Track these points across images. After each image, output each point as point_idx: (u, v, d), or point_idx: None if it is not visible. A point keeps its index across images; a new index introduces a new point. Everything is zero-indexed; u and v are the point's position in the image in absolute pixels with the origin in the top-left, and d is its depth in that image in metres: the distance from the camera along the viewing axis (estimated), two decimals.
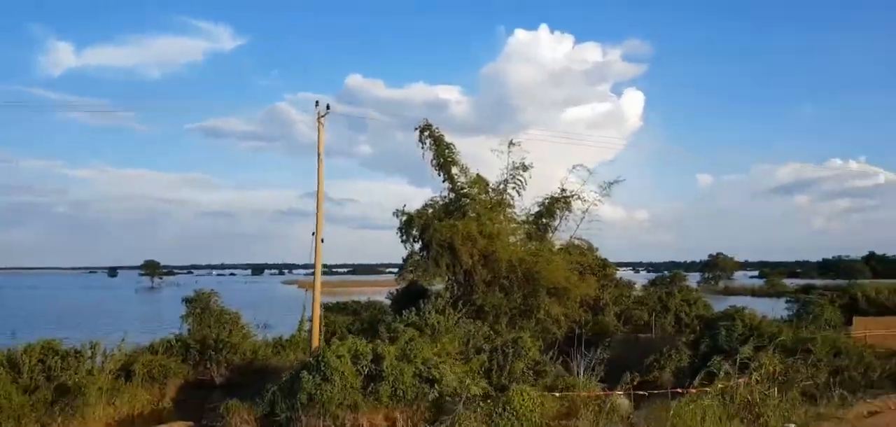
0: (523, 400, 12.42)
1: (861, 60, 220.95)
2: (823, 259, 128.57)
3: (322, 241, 20.64)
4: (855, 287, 49.95)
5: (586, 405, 13.14)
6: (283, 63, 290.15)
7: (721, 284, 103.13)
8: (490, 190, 31.51)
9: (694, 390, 14.46)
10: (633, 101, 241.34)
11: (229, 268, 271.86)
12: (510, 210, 32.22)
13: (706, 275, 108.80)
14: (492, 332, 25.14)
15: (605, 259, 42.32)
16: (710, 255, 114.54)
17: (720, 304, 39.62)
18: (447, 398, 15.40)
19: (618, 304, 39.48)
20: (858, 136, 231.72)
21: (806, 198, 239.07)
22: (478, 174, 31.38)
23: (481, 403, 13.55)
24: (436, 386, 16.30)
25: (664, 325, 38.34)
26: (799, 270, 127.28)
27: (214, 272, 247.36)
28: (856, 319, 38.65)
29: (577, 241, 37.01)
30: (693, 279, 75.78)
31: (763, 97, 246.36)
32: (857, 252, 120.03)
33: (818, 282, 76.41)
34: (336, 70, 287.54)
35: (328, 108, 21.16)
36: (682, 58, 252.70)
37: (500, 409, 12.41)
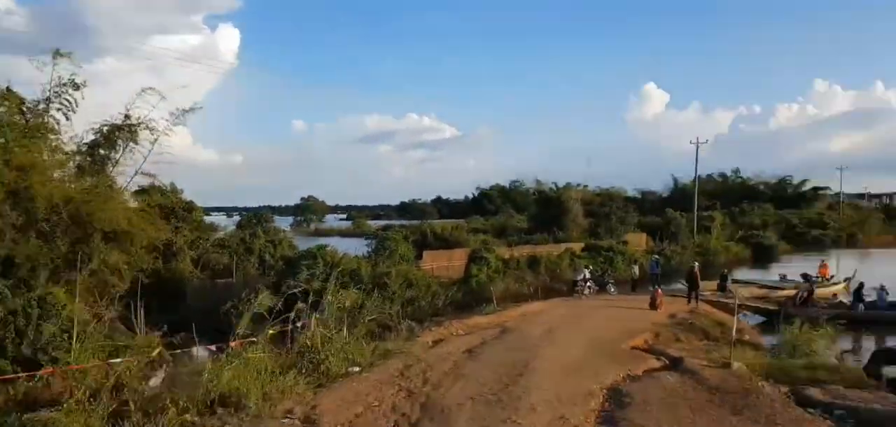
0: None
1: (434, 25, 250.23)
2: (401, 202, 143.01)
3: None
4: (425, 225, 55.07)
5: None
6: None
7: (312, 227, 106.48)
8: (26, 110, 24.31)
9: (236, 343, 11.95)
10: (229, 38, 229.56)
11: None
12: (55, 137, 25.48)
13: (298, 218, 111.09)
14: (8, 291, 19.18)
15: (191, 201, 40.60)
16: (303, 199, 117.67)
17: (310, 245, 39.05)
18: None
19: (195, 248, 36.05)
20: (429, 94, 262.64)
21: (388, 147, 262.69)
22: (8, 89, 23.91)
23: None
24: None
25: (248, 269, 36.47)
26: (382, 213, 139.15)
27: None
28: (425, 253, 41.83)
29: (156, 182, 32.00)
30: (286, 222, 75.58)
31: (352, 51, 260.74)
32: (428, 196, 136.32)
33: (396, 222, 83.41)
34: None
35: None
36: None
37: None
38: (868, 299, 26.66)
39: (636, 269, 33.13)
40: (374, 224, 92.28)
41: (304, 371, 11.39)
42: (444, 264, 40.30)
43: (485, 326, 20.52)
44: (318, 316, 12.57)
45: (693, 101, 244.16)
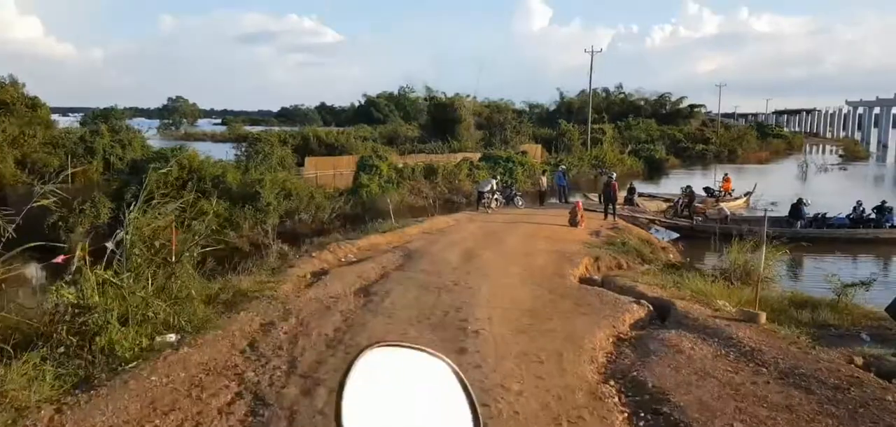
0: None
1: None
2: (282, 108, 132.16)
3: None
4: (308, 129, 48.15)
5: None
6: None
7: (182, 130, 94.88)
8: None
9: None
10: None
11: None
12: None
13: (166, 121, 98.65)
14: None
15: (35, 98, 34.02)
16: (170, 99, 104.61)
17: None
18: None
19: (19, 146, 29.09)
20: None
21: (268, 49, 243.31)
22: None
23: None
24: None
25: (90, 173, 29.83)
26: (261, 119, 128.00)
27: None
28: (308, 159, 36.09)
29: None
30: (152, 125, 65.40)
31: None
32: (311, 102, 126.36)
33: (276, 128, 75.33)
34: None
35: None
36: None
37: None
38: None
39: (545, 180, 28.99)
40: (253, 130, 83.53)
41: (57, 357, 5.75)
42: (329, 172, 34.80)
43: (383, 248, 15.47)
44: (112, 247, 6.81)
45: (575, 17, 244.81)
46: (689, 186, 27.71)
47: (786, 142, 79.39)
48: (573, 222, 20.58)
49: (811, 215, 24.35)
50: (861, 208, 24.30)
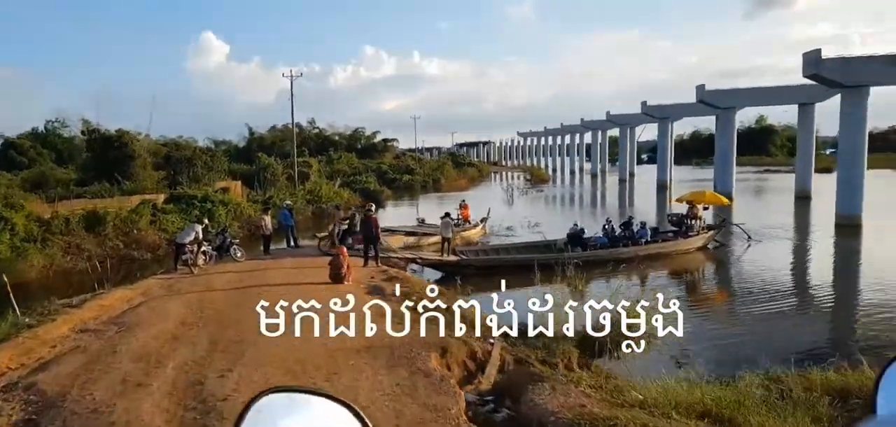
0: None
1: None
2: None
3: None
4: None
5: None
6: None
7: None
8: None
9: None
10: None
11: None
12: None
13: None
14: None
15: None
16: None
17: None
18: None
19: None
20: None
21: None
22: None
23: None
24: None
25: None
26: None
27: None
28: None
29: None
30: None
31: None
32: None
33: None
34: None
35: None
36: None
37: None
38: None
39: (268, 220, 21.06)
40: None
41: None
42: None
43: None
44: None
45: (253, 55, 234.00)
46: (353, 208, 22.69)
47: (477, 169, 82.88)
48: (337, 277, 13.62)
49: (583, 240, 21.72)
50: (610, 226, 22.89)
